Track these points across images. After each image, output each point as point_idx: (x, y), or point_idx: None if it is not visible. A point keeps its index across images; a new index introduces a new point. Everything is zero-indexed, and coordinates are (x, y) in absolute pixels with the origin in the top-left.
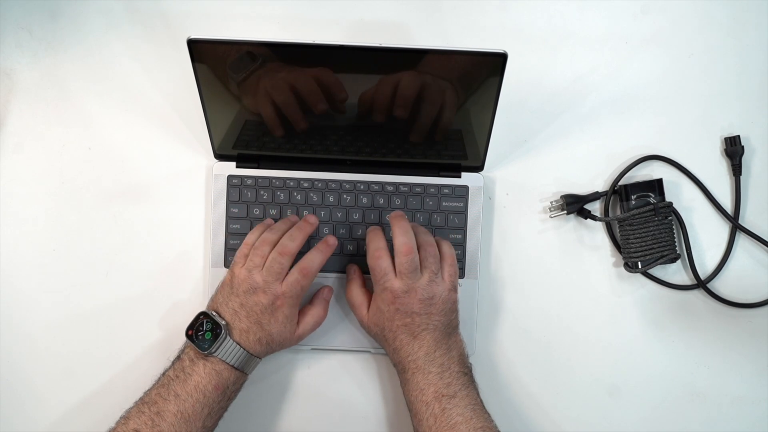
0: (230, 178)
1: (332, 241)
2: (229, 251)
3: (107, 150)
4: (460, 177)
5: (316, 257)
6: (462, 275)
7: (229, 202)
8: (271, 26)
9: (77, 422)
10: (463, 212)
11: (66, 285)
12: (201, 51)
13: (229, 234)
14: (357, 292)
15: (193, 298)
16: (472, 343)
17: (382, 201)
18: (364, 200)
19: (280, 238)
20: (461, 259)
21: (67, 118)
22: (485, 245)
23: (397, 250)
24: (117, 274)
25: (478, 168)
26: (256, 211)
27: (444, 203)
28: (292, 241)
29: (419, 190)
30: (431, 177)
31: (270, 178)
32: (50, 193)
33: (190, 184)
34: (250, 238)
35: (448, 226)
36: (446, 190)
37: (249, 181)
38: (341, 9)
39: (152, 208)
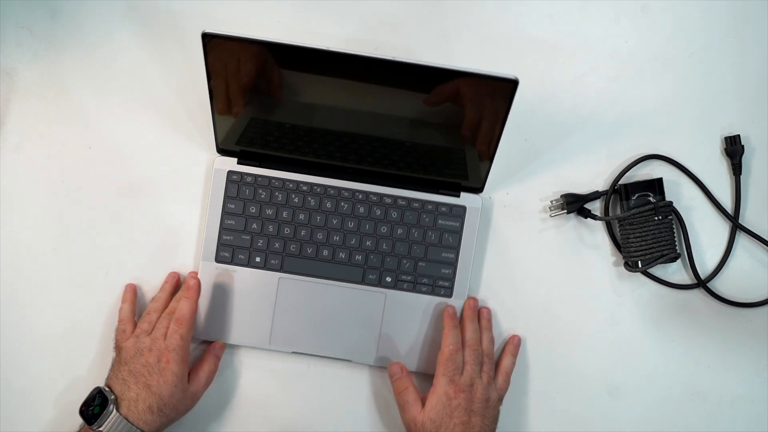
0: (230, 173)
1: (193, 283)
2: (222, 246)
3: (107, 149)
4: (458, 197)
5: (184, 305)
6: (450, 294)
7: (227, 198)
8: (273, 25)
9: (77, 422)
10: (458, 232)
11: (66, 284)
12: (214, 45)
13: (223, 229)
14: (412, 390)
15: None
16: None
17: (378, 212)
18: (361, 210)
19: (165, 305)
20: (450, 279)
21: (67, 117)
22: (477, 267)
23: (467, 342)
24: (117, 273)
25: (477, 190)
26: (252, 209)
27: (440, 221)
28: (177, 302)
29: (417, 205)
30: (430, 194)
31: (270, 178)
32: (50, 193)
33: (191, 180)
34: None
35: (441, 244)
36: (443, 209)
37: (249, 179)
38: (341, 8)
39: (153, 207)
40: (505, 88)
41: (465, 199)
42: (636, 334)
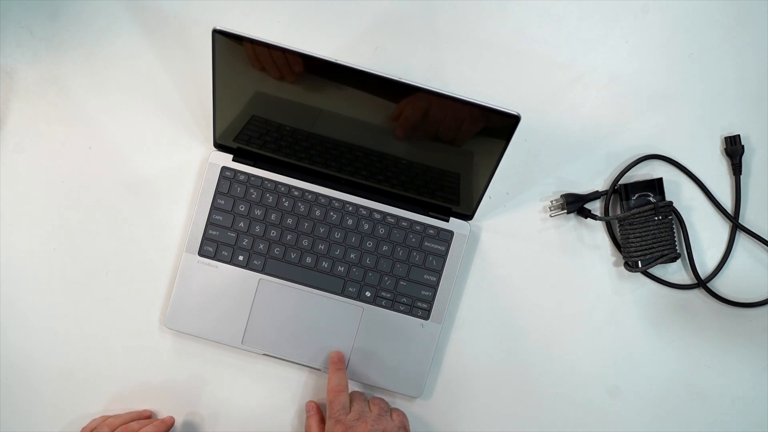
0: (224, 169)
1: (170, 420)
2: (206, 240)
3: (107, 149)
4: (447, 221)
5: (150, 429)
6: (426, 317)
7: (218, 193)
8: (273, 25)
9: (77, 422)
10: (443, 256)
11: (66, 284)
12: (223, 42)
13: (210, 224)
14: (316, 428)
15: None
16: (420, 385)
17: (366, 227)
18: (350, 222)
19: (123, 423)
20: (429, 301)
21: (67, 117)
22: (457, 292)
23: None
24: (117, 273)
25: (467, 217)
26: (241, 207)
27: (426, 243)
28: (139, 425)
29: (405, 224)
30: (420, 215)
31: (263, 179)
32: (50, 193)
33: (192, 178)
34: (91, 424)
35: (425, 266)
36: (431, 231)
37: (242, 177)
38: (341, 8)
39: (153, 206)
40: (507, 122)
41: (453, 224)
42: (636, 334)
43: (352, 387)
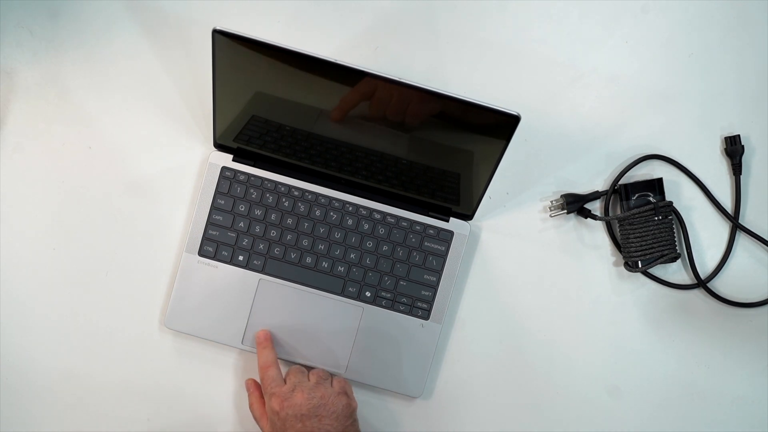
0: (224, 169)
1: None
2: (206, 240)
3: (107, 149)
4: (447, 221)
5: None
6: (427, 317)
7: (218, 193)
8: (273, 25)
9: (77, 422)
10: (443, 256)
11: (66, 284)
12: (223, 43)
13: (210, 224)
14: (257, 405)
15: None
16: (420, 385)
17: (366, 227)
18: (350, 222)
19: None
20: (429, 301)
21: (67, 117)
22: (457, 292)
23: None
24: (117, 273)
25: (467, 216)
26: (241, 207)
27: (426, 243)
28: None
29: (405, 224)
30: (420, 215)
31: (263, 179)
32: (50, 193)
33: (192, 179)
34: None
35: (425, 266)
36: (431, 231)
37: (242, 177)
38: (341, 8)
39: (153, 206)
40: (507, 122)
41: (453, 224)
42: (636, 334)
43: (353, 388)
